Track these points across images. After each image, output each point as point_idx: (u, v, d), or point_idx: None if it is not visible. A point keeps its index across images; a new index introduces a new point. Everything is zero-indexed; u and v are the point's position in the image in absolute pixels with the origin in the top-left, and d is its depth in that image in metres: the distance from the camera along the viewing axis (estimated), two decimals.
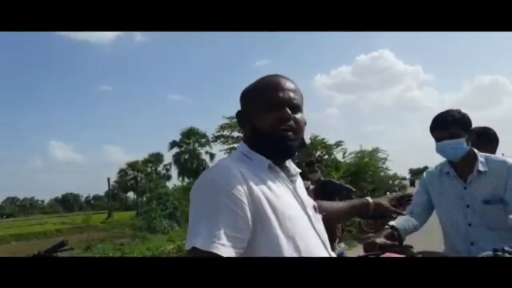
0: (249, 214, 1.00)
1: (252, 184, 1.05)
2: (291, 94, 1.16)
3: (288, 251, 1.03)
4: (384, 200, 1.55)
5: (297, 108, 1.16)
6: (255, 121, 1.16)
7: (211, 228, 0.97)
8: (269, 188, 1.09)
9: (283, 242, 1.03)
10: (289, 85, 1.18)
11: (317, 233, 1.15)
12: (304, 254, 1.05)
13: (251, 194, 1.03)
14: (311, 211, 1.18)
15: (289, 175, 1.21)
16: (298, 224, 1.09)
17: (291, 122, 1.13)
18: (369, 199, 1.54)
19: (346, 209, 1.55)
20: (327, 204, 1.53)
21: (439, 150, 1.99)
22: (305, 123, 1.22)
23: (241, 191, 1.02)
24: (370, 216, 1.82)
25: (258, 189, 1.06)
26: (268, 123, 1.13)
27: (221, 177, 1.05)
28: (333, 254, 1.20)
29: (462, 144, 1.92)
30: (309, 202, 1.22)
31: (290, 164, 1.25)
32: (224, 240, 0.95)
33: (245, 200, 1.01)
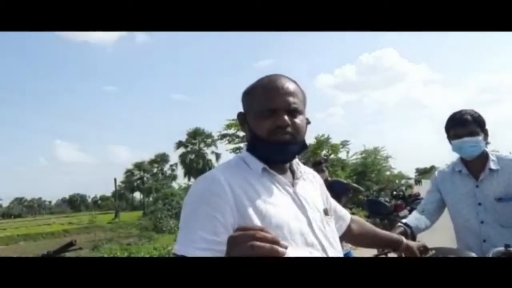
0: (230, 220, 1.01)
1: (239, 191, 1.06)
2: (290, 98, 1.12)
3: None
4: (415, 246, 1.56)
5: (296, 112, 1.13)
6: (252, 126, 1.15)
7: (189, 233, 1.01)
8: (259, 194, 1.08)
9: None
10: (287, 87, 1.14)
11: (317, 237, 1.12)
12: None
13: (236, 201, 1.04)
14: (314, 214, 1.16)
15: (293, 178, 1.20)
16: (290, 230, 1.06)
17: (289, 129, 1.11)
18: (404, 240, 1.56)
19: (383, 236, 1.57)
20: (369, 226, 1.58)
21: (457, 148, 2.01)
22: (309, 123, 1.22)
23: (223, 198, 1.03)
24: (385, 213, 1.86)
25: (245, 196, 1.06)
26: (265, 130, 1.11)
27: (204, 187, 1.08)
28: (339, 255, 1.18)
29: (480, 143, 1.96)
30: (315, 204, 1.20)
31: (297, 166, 1.24)
32: (201, 243, 0.97)
33: (226, 207, 1.02)
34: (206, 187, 1.08)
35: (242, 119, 1.21)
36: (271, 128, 1.10)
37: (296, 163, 1.25)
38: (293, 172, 1.22)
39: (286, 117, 1.10)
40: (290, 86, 1.15)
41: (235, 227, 1.01)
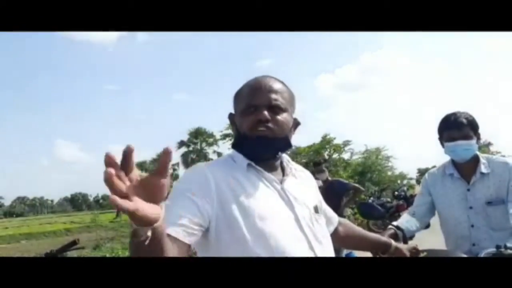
0: (208, 209, 1.04)
1: (222, 184, 1.09)
2: (272, 95, 1.16)
3: (255, 250, 1.03)
4: (405, 248, 1.57)
5: (278, 109, 1.16)
6: (237, 123, 1.21)
7: (167, 212, 1.01)
8: (243, 188, 1.11)
9: (250, 241, 1.04)
10: (270, 85, 1.18)
11: (304, 233, 1.13)
12: (276, 254, 1.04)
13: (218, 193, 1.07)
14: (303, 211, 1.17)
15: (283, 174, 1.23)
16: (274, 224, 1.08)
17: (270, 124, 1.14)
18: (393, 242, 1.57)
19: (371, 239, 1.57)
20: (356, 228, 1.59)
21: (450, 151, 2.01)
22: (298, 123, 1.26)
23: (205, 188, 1.07)
24: (378, 217, 1.88)
25: (228, 189, 1.09)
26: (246, 125, 1.16)
27: (190, 176, 1.13)
28: (327, 255, 1.18)
29: (473, 146, 1.96)
30: (305, 201, 1.21)
31: (288, 163, 1.27)
32: (176, 219, 0.99)
33: (207, 197, 1.06)
34: (191, 176, 1.13)
35: (232, 120, 1.26)
36: (252, 123, 1.15)
37: (287, 160, 1.28)
38: (283, 169, 1.25)
39: (266, 112, 1.14)
40: (274, 85, 1.19)
41: (214, 217, 1.06)
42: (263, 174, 1.17)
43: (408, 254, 1.55)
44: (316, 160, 6.22)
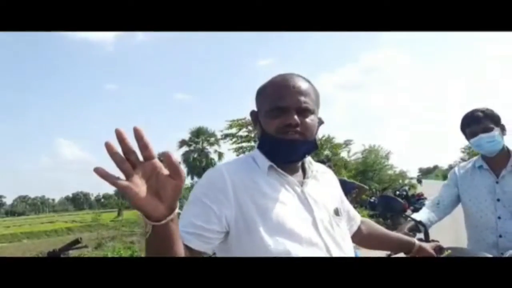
0: (227, 213, 1.04)
1: (240, 187, 1.07)
2: (301, 97, 1.12)
3: (273, 252, 1.02)
4: (429, 247, 1.53)
5: (307, 111, 1.12)
6: (263, 123, 1.16)
7: (182, 219, 1.03)
8: (262, 191, 1.09)
9: (268, 243, 1.02)
10: (299, 86, 1.13)
11: (321, 237, 1.10)
12: (294, 255, 1.03)
13: (236, 196, 1.06)
14: (322, 214, 1.15)
15: (304, 177, 1.20)
16: (291, 229, 1.06)
17: (299, 128, 1.10)
18: (416, 242, 1.53)
19: (394, 238, 1.54)
20: (379, 228, 1.56)
21: (476, 146, 2.02)
22: (321, 123, 1.21)
23: (222, 192, 1.05)
24: (399, 210, 1.82)
25: (246, 192, 1.07)
26: (275, 128, 1.11)
27: (207, 180, 1.11)
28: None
29: (496, 137, 1.96)
30: (325, 204, 1.18)
31: (310, 165, 1.23)
32: (189, 228, 0.99)
33: (224, 201, 1.04)
34: (208, 180, 1.10)
35: (255, 118, 1.22)
36: (280, 126, 1.10)
37: (309, 162, 1.24)
38: (304, 171, 1.22)
39: (296, 116, 1.10)
40: (302, 85, 1.14)
41: (233, 220, 1.04)
42: (284, 176, 1.14)
43: (432, 253, 1.51)
44: (319, 159, 6.20)
